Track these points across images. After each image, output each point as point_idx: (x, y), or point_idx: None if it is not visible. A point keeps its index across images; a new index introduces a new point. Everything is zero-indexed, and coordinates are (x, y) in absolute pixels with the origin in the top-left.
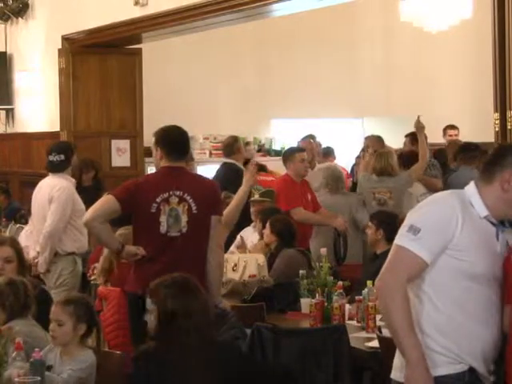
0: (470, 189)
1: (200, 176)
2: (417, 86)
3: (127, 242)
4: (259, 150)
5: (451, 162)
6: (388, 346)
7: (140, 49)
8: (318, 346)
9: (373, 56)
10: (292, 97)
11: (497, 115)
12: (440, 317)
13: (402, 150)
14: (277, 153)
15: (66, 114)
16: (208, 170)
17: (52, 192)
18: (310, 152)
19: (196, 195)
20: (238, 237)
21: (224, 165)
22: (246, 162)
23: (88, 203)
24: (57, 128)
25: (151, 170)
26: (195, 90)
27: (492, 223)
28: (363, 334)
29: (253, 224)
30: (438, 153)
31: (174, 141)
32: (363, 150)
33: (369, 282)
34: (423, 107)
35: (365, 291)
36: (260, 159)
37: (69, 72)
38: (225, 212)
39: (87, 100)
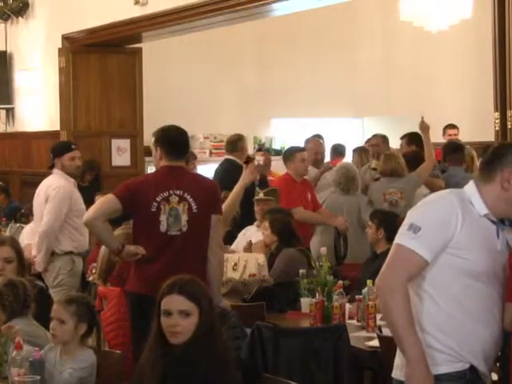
0: (470, 188)
1: (200, 175)
2: (417, 86)
3: (127, 241)
4: (259, 150)
5: (442, 163)
6: (388, 346)
7: (140, 48)
8: (317, 346)
9: (373, 56)
10: (292, 96)
11: (497, 114)
12: (440, 315)
13: (400, 151)
14: (277, 152)
15: (66, 113)
16: (208, 169)
17: (48, 191)
18: (319, 151)
19: (196, 194)
20: (241, 235)
21: (225, 161)
22: (246, 162)
23: (85, 203)
24: (57, 127)
25: (151, 169)
26: (195, 89)
27: (492, 221)
28: (363, 334)
29: (256, 223)
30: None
31: (174, 140)
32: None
33: (369, 282)
34: (423, 107)
35: (365, 290)
36: (260, 159)
37: (69, 71)
38: None
39: (87, 99)
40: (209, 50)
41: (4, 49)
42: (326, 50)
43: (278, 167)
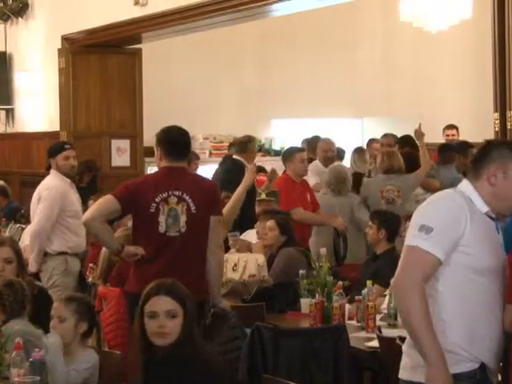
0: (467, 187)
1: (199, 176)
2: (417, 86)
3: (128, 242)
4: (259, 150)
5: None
6: (388, 346)
7: (140, 49)
8: (317, 346)
9: (373, 56)
10: (292, 97)
11: (497, 115)
12: (451, 314)
13: None
14: (277, 153)
15: (66, 113)
16: (208, 169)
17: (41, 191)
18: (330, 149)
19: (195, 195)
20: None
21: (230, 160)
22: None
23: (83, 204)
24: (57, 128)
25: (151, 169)
26: (195, 89)
27: (491, 218)
28: (363, 334)
29: (257, 224)
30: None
31: (173, 141)
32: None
33: (368, 282)
34: (423, 107)
35: (364, 291)
36: (260, 159)
37: (69, 72)
38: (223, 211)
39: (87, 100)
40: (209, 50)
41: (4, 49)
42: (326, 50)
43: (278, 167)
